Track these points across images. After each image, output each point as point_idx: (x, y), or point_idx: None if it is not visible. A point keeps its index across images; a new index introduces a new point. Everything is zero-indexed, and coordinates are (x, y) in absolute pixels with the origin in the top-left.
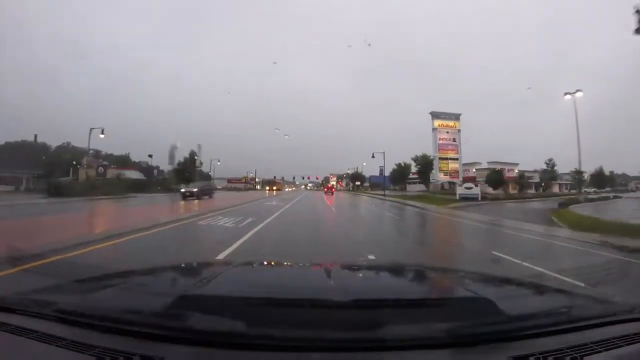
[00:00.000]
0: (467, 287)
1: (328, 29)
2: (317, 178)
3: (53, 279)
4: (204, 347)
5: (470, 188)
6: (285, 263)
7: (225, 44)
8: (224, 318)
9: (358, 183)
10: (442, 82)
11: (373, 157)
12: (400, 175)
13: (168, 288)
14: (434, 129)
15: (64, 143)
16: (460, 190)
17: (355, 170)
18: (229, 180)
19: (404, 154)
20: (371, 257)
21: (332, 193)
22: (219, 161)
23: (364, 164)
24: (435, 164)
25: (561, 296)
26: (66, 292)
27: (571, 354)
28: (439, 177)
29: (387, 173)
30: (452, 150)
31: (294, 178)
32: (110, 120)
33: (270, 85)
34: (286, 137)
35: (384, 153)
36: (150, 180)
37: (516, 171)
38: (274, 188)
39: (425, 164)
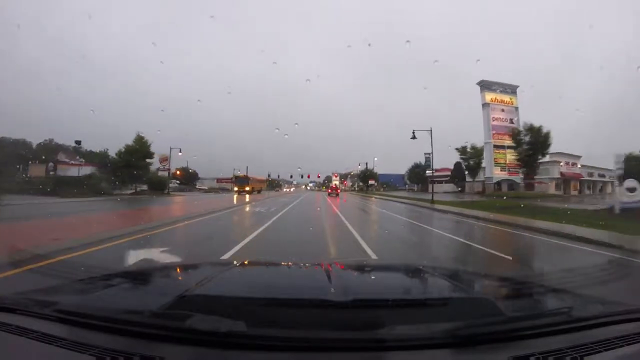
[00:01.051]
0: (467, 287)
1: (328, 28)
2: (318, 177)
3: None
4: (204, 347)
5: (634, 190)
6: (285, 263)
7: (225, 44)
8: (223, 318)
9: (372, 182)
10: (443, 82)
11: (414, 137)
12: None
13: (168, 288)
14: (485, 105)
15: (46, 140)
16: (622, 196)
17: (366, 167)
18: (218, 180)
19: (406, 155)
20: (373, 257)
21: (337, 195)
22: (180, 151)
23: (375, 158)
24: (489, 154)
25: (561, 296)
26: (66, 292)
27: (571, 354)
28: (493, 172)
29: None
30: (509, 135)
31: (291, 177)
32: (109, 119)
33: (270, 84)
34: (286, 136)
35: (430, 130)
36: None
37: (579, 165)
38: (247, 189)
39: (541, 143)
